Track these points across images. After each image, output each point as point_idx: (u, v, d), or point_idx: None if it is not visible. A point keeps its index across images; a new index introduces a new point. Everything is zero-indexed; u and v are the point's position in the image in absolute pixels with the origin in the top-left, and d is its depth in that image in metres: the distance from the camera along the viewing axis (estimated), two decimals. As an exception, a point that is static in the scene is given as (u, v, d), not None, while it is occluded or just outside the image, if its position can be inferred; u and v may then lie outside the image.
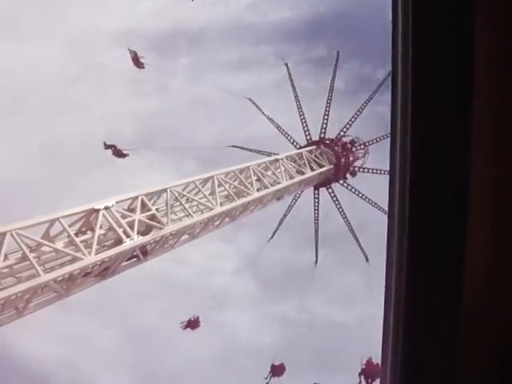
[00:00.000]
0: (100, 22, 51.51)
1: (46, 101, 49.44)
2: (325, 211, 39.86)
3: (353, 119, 39.77)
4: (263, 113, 41.59)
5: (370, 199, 39.11)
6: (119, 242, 20.45)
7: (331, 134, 39.66)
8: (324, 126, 39.16)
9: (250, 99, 41.95)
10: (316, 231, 39.92)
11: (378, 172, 39.60)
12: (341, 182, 39.22)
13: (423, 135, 2.43)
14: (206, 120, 56.51)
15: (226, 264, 51.00)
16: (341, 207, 39.40)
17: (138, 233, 21.01)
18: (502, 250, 2.50)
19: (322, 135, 38.98)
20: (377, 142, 40.25)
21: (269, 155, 40.15)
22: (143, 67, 37.88)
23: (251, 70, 64.17)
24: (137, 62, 37.28)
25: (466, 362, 2.62)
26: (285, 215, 39.63)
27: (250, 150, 41.97)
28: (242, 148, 42.27)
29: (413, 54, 2.34)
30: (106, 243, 20.65)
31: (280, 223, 40.10)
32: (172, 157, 55.43)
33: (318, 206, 39.38)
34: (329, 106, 39.21)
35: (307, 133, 39.37)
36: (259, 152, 41.52)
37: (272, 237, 40.65)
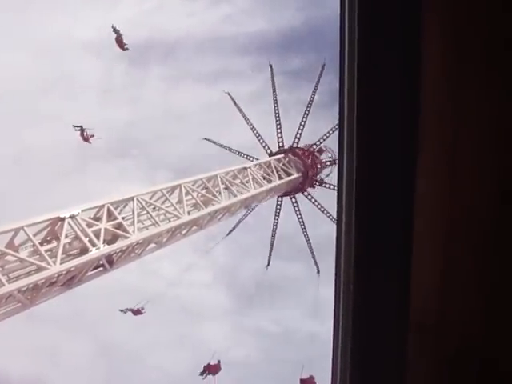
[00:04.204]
0: (72, 30, 50.91)
1: (16, 110, 48.61)
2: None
3: (328, 134, 40.27)
4: (240, 110, 41.60)
5: (328, 212, 39.44)
6: (85, 251, 20.21)
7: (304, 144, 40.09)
8: (298, 135, 39.53)
9: (228, 93, 42.08)
10: (273, 235, 40.54)
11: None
12: (305, 193, 39.64)
13: (369, 144, 2.53)
14: (180, 130, 56.37)
15: (198, 275, 50.70)
16: (301, 217, 40.07)
17: (103, 242, 20.83)
18: (452, 254, 2.53)
19: (295, 144, 39.36)
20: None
21: (239, 154, 41.56)
22: (127, 49, 37.47)
23: (226, 81, 64.23)
24: (120, 43, 36.91)
25: (417, 371, 2.69)
26: (245, 215, 39.86)
27: (222, 146, 42.55)
28: (214, 142, 42.79)
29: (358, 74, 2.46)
30: (72, 252, 20.40)
31: (239, 222, 40.33)
32: (145, 166, 55.07)
33: (279, 213, 40.06)
34: (306, 116, 39.54)
35: (280, 139, 39.76)
36: (230, 149, 42.28)
37: (228, 234, 40.69)
